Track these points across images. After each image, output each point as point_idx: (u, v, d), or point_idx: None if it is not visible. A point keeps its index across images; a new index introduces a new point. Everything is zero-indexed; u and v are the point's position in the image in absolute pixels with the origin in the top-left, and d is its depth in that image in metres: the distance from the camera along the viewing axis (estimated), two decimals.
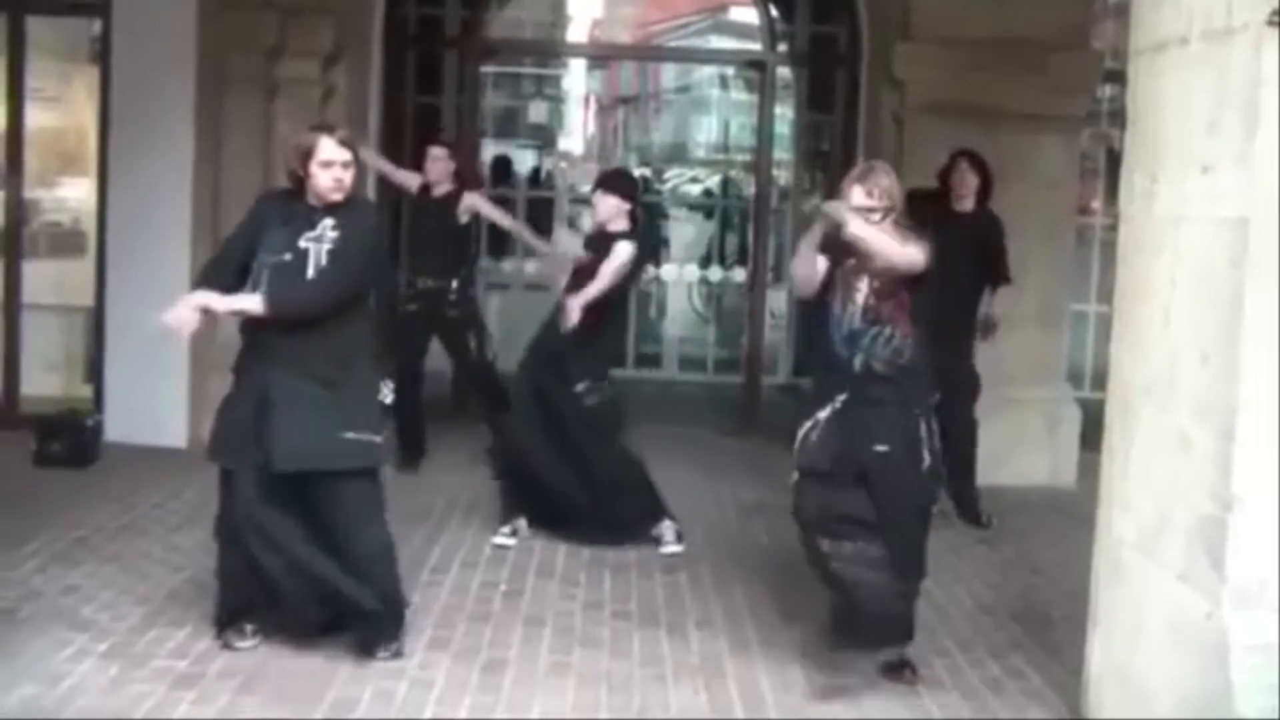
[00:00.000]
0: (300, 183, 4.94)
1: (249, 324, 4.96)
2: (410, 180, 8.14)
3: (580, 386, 6.53)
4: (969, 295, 7.22)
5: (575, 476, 6.57)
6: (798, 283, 5.18)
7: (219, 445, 5.04)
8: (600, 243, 6.68)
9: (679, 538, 6.59)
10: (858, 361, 4.98)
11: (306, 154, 4.90)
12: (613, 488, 6.60)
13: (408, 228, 8.51)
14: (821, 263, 5.02)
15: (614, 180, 7.07)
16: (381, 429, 5.09)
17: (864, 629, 4.98)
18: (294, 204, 4.96)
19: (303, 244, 4.89)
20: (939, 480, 5.17)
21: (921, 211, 7.11)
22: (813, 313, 5.36)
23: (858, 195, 5.01)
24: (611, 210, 6.66)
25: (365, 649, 5.01)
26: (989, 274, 7.27)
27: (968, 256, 6.94)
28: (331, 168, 4.89)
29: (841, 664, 5.08)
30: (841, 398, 5.00)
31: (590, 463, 6.57)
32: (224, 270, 5.03)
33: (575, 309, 6.43)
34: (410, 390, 7.92)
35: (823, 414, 5.03)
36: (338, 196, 4.90)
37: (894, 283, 4.96)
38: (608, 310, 6.59)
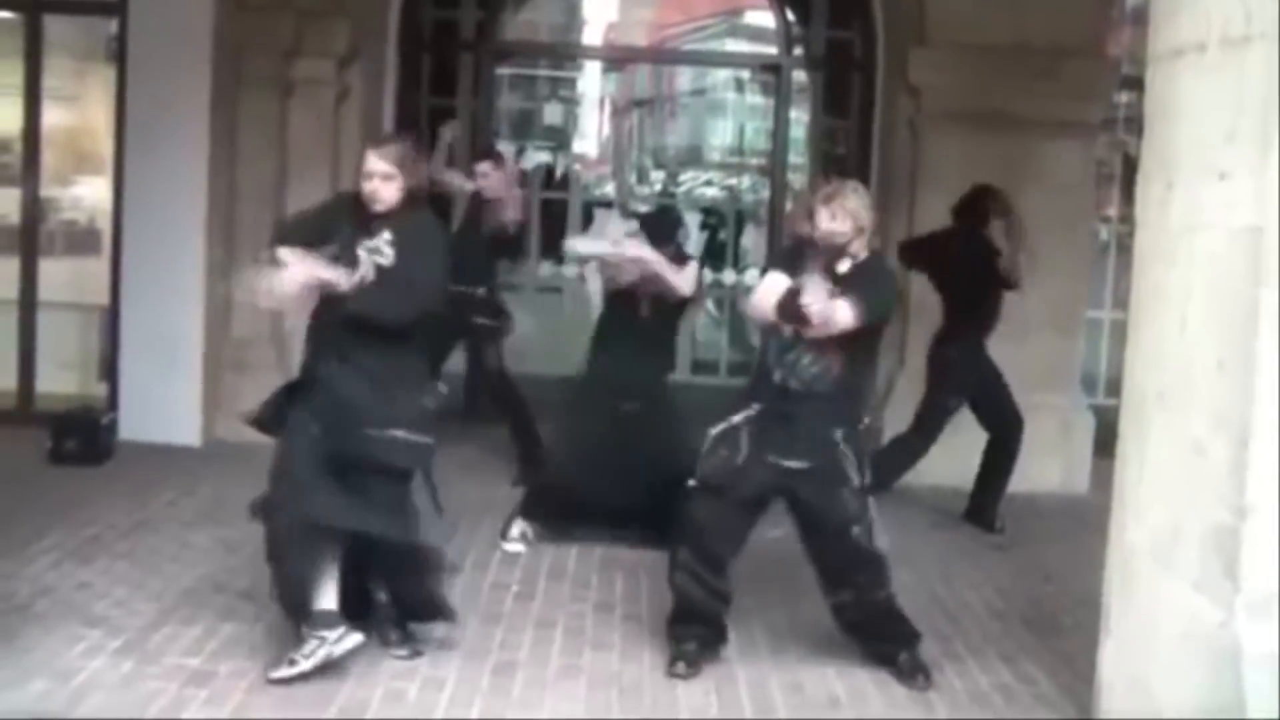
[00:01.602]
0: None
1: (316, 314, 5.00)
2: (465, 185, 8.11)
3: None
4: (971, 313, 7.31)
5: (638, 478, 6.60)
6: (754, 313, 5.25)
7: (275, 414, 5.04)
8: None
9: None
10: (778, 375, 5.03)
11: (358, 165, 4.98)
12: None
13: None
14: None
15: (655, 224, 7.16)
16: (430, 431, 5.04)
17: (684, 630, 5.17)
18: (361, 208, 4.98)
19: (359, 251, 4.89)
20: (863, 500, 5.10)
21: (916, 254, 7.31)
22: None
23: (823, 218, 5.01)
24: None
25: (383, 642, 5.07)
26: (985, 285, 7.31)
27: (954, 279, 7.23)
28: (370, 180, 4.91)
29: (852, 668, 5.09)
30: (757, 407, 5.06)
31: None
32: (300, 238, 5.00)
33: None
34: None
35: (737, 418, 5.08)
36: (378, 208, 4.92)
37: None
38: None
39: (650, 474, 6.50)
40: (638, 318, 6.71)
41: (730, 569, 5.17)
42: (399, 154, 4.97)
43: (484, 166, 8.02)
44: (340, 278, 4.79)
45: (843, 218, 4.99)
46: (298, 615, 4.87)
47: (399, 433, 4.88)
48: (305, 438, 4.86)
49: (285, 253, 4.86)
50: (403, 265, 4.89)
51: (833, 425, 5.02)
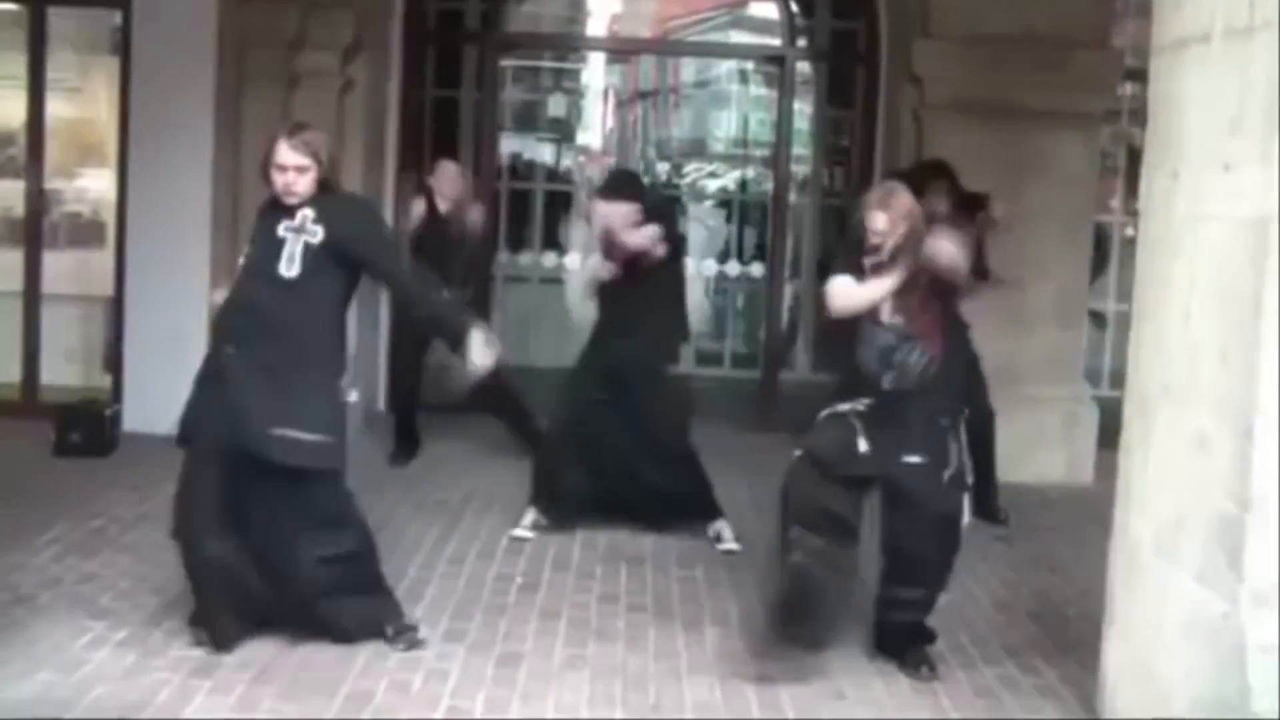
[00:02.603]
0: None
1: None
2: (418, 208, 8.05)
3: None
4: None
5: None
6: (838, 316, 5.14)
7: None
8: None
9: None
10: (888, 379, 5.00)
11: (265, 156, 4.90)
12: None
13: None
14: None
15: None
16: (333, 430, 4.94)
17: (794, 624, 4.99)
18: (273, 202, 4.96)
19: (281, 233, 4.88)
20: (965, 492, 5.14)
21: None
22: (835, 331, 5.35)
23: (881, 222, 5.01)
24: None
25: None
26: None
27: None
28: (285, 172, 4.87)
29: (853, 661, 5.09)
30: (867, 402, 5.02)
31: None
32: None
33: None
34: (408, 387, 7.99)
35: (845, 407, 5.04)
36: (291, 200, 4.88)
37: (928, 295, 4.96)
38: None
39: (646, 459, 6.53)
40: (621, 301, 6.64)
41: (858, 543, 5.07)
42: (314, 144, 4.92)
43: (448, 168, 8.14)
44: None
45: (900, 219, 5.00)
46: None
47: (295, 432, 4.80)
48: (204, 461, 4.90)
49: None
50: (351, 228, 4.96)
51: (941, 416, 5.05)
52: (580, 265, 7.10)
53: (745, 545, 6.57)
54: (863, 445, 4.96)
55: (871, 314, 5.03)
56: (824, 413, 5.11)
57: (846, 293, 5.07)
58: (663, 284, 6.74)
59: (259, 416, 4.77)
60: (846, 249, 5.32)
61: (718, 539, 6.60)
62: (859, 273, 5.04)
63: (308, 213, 4.89)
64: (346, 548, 5.01)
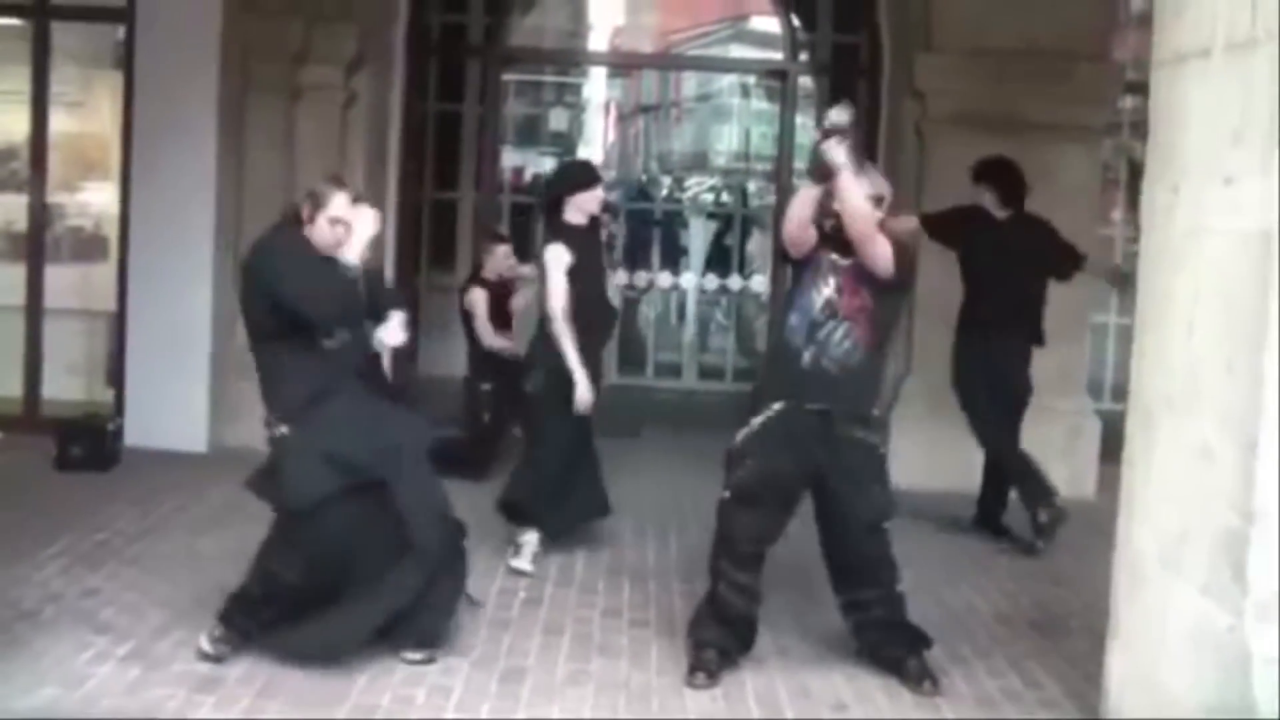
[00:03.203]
0: (299, 223, 4.94)
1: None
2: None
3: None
4: (1022, 303, 7.22)
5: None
6: (787, 230, 5.08)
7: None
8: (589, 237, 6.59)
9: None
10: (808, 355, 5.00)
11: (316, 204, 4.91)
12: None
13: None
14: (810, 231, 5.02)
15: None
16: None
17: (714, 634, 5.13)
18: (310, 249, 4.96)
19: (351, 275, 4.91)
20: (888, 494, 5.17)
21: (953, 228, 7.19)
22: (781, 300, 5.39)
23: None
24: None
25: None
26: (1044, 274, 7.25)
27: (1007, 263, 7.06)
28: (338, 225, 4.90)
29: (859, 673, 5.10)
30: (778, 406, 5.02)
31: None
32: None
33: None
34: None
35: (757, 421, 5.05)
36: (342, 255, 4.90)
37: (863, 281, 4.97)
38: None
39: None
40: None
41: (761, 564, 5.17)
42: (360, 199, 5.04)
43: (503, 249, 8.36)
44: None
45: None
46: None
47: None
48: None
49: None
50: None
51: (862, 410, 5.06)
52: None
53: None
54: (769, 462, 4.99)
55: (808, 287, 5.02)
56: (739, 436, 5.10)
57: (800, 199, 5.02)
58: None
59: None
60: None
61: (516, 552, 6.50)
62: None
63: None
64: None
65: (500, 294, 8.30)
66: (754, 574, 5.12)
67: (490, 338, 8.18)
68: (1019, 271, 7.12)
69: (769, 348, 5.30)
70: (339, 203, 4.89)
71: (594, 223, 6.63)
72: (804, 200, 4.98)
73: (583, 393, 6.26)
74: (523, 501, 6.54)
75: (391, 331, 5.16)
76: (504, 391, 7.75)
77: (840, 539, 5.15)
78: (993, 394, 7.16)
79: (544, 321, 6.42)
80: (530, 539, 6.42)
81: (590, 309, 6.43)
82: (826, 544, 5.22)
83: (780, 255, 5.40)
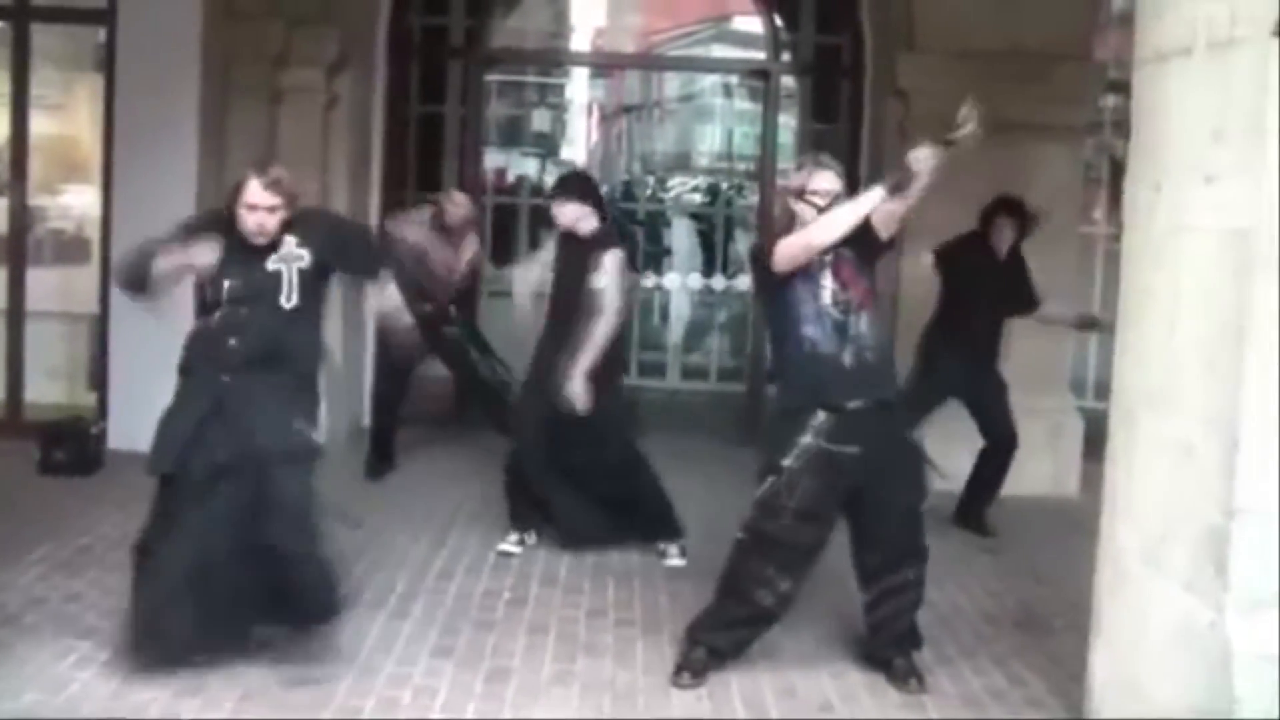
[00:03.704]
0: (234, 216, 4.91)
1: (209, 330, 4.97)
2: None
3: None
4: (996, 329, 7.43)
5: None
6: (810, 250, 4.90)
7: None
8: (577, 252, 6.54)
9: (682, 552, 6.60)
10: (848, 355, 4.93)
11: (235, 192, 4.89)
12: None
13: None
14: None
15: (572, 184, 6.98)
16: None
17: (719, 637, 5.11)
18: (235, 231, 4.92)
19: (272, 266, 4.90)
20: (927, 475, 5.21)
21: (954, 257, 7.25)
22: (770, 319, 5.27)
23: (816, 180, 5.06)
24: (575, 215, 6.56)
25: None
26: (1015, 309, 7.41)
27: (999, 298, 7.26)
28: (256, 211, 4.85)
29: (845, 672, 5.10)
30: (823, 415, 4.89)
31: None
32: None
33: (578, 386, 6.30)
34: (391, 402, 8.00)
35: (806, 439, 4.88)
36: (260, 241, 4.88)
37: (856, 265, 4.98)
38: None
39: (597, 474, 6.54)
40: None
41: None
42: (286, 184, 4.92)
43: (459, 196, 8.16)
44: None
45: (831, 177, 5.07)
46: None
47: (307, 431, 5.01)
48: (190, 486, 4.97)
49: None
50: (336, 238, 5.07)
51: (892, 392, 5.10)
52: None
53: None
54: (810, 500, 4.89)
55: (809, 291, 4.96)
56: (766, 485, 4.96)
57: (793, 240, 4.93)
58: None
59: (273, 425, 4.83)
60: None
61: (663, 555, 6.58)
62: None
63: (290, 240, 4.92)
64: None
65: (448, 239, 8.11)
66: (797, 580, 5.05)
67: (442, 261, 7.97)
68: (1002, 307, 7.32)
69: (787, 363, 5.07)
70: (252, 188, 4.84)
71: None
72: (845, 223, 4.90)
73: (578, 390, 6.29)
74: (662, 517, 6.64)
75: (381, 296, 5.19)
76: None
77: (881, 526, 5.04)
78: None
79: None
80: (674, 548, 6.57)
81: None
82: (861, 536, 5.10)
83: (756, 269, 5.25)
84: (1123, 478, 4.48)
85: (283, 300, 4.89)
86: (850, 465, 4.89)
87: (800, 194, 5.08)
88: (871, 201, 4.89)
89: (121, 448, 8.06)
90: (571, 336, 6.38)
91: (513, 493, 6.77)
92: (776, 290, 5.04)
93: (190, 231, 5.00)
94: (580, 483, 6.62)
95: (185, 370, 5.08)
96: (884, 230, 4.99)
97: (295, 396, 4.97)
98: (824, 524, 5.02)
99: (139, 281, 4.93)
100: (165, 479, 4.95)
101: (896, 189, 4.85)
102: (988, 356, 7.38)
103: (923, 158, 4.82)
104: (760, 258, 5.08)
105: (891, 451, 4.99)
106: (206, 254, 4.85)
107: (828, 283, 4.96)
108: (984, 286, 7.21)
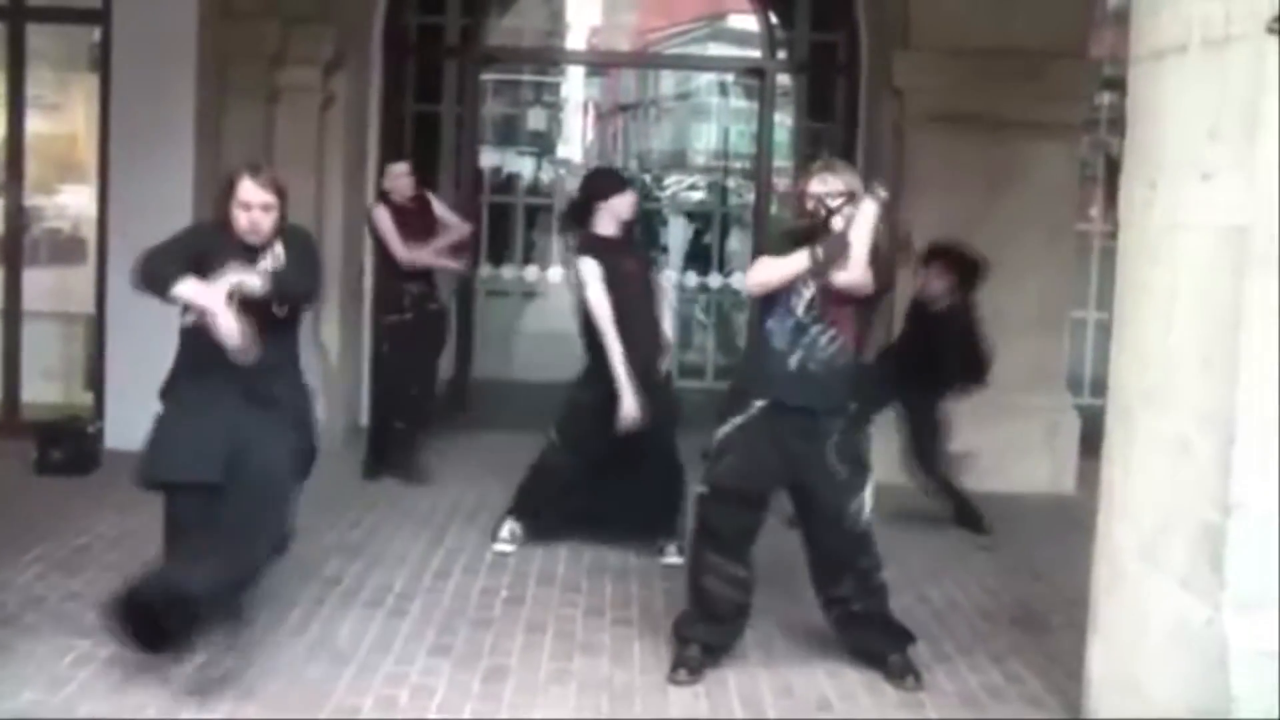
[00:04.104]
0: (228, 218, 4.89)
1: (196, 344, 4.90)
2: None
3: None
4: (930, 402, 7.28)
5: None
6: (766, 287, 5.09)
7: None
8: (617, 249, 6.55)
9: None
10: (795, 359, 5.01)
11: (226, 191, 4.87)
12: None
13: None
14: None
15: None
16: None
17: (701, 630, 5.14)
18: (233, 239, 4.88)
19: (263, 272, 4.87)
20: (869, 488, 5.15)
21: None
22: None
23: (815, 184, 5.06)
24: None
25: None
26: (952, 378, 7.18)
27: (931, 364, 7.07)
28: (250, 210, 4.83)
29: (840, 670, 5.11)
30: (760, 404, 5.03)
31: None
32: (177, 269, 4.76)
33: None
34: (390, 402, 7.97)
35: (739, 419, 5.06)
36: (254, 240, 4.85)
37: (842, 294, 4.99)
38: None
39: (642, 475, 6.52)
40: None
41: (750, 554, 5.18)
42: (278, 181, 4.92)
43: (397, 167, 8.01)
44: (251, 278, 4.73)
45: (834, 181, 5.05)
46: None
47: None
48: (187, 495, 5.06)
49: (185, 288, 4.68)
50: (302, 255, 4.97)
51: (845, 405, 5.08)
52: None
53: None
54: (749, 460, 5.01)
55: (787, 291, 5.01)
56: (721, 432, 5.11)
57: (764, 266, 5.11)
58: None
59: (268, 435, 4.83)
60: (777, 244, 5.29)
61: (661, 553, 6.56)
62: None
63: (278, 250, 4.90)
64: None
65: (408, 216, 7.96)
66: (745, 563, 5.13)
67: (403, 249, 7.82)
68: (938, 376, 7.15)
69: (748, 348, 5.27)
70: (245, 186, 4.83)
71: (627, 231, 6.64)
72: (789, 271, 4.98)
73: (629, 408, 6.27)
74: (671, 515, 6.59)
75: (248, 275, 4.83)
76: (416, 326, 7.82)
77: (821, 534, 5.15)
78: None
79: (588, 336, 6.46)
80: (673, 546, 6.51)
81: (628, 321, 6.42)
82: (808, 541, 5.23)
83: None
84: (1119, 475, 4.49)
85: (274, 308, 4.85)
86: (774, 456, 5.01)
87: (801, 197, 5.13)
88: (795, 267, 4.96)
89: (118, 447, 8.03)
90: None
91: (533, 489, 6.74)
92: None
93: (195, 253, 4.88)
94: (608, 468, 6.56)
95: (177, 376, 5.10)
96: (857, 291, 4.98)
97: (287, 406, 4.97)
98: (751, 505, 5.09)
99: (158, 293, 4.85)
100: (168, 489, 4.97)
101: (824, 265, 4.91)
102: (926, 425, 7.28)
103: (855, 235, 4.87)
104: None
105: (827, 459, 5.02)
106: (220, 294, 4.70)
107: (807, 291, 5.00)
108: (918, 348, 7.10)
